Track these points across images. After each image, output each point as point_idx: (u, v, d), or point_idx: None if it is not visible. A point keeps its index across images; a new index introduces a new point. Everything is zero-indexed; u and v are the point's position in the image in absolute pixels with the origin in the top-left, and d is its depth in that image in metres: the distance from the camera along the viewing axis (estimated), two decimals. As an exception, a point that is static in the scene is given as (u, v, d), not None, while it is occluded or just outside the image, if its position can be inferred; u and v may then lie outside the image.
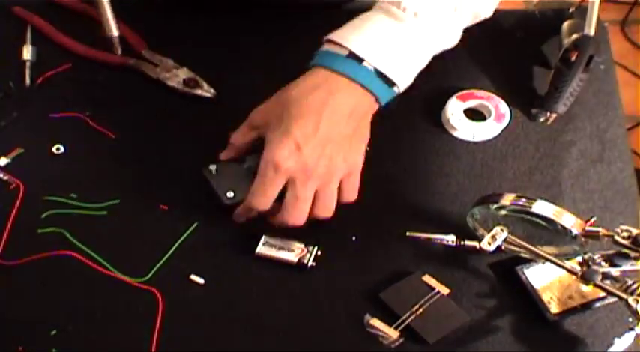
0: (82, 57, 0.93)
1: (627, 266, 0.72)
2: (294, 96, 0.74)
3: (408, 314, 0.73)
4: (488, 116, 0.89)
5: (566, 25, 0.93)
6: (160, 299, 0.75)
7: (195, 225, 0.80)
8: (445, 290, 0.76)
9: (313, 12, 0.94)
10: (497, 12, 0.86)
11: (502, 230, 0.74)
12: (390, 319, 0.73)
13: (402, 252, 0.79)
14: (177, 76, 0.91)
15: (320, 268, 0.78)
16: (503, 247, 0.75)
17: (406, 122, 0.89)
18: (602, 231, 0.71)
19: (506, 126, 0.88)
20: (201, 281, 0.77)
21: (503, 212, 0.76)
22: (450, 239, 0.77)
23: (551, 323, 0.74)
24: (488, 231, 0.75)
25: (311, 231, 0.78)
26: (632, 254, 0.71)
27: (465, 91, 0.90)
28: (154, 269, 0.77)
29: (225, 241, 0.80)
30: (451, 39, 0.80)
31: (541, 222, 0.74)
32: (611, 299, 0.74)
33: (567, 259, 0.74)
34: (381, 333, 0.73)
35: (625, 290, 0.69)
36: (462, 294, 0.76)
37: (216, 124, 0.84)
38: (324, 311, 0.75)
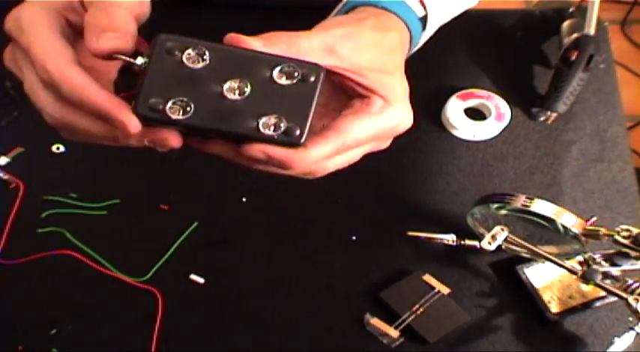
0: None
1: (627, 265, 0.72)
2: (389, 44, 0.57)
3: (408, 314, 0.73)
4: (489, 115, 0.89)
5: (566, 24, 0.93)
6: (160, 299, 0.74)
7: (195, 225, 0.80)
8: (445, 290, 0.76)
9: (316, 13, 0.94)
10: (497, 12, 0.86)
11: (502, 229, 0.74)
12: (390, 319, 0.73)
13: (402, 252, 0.79)
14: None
15: (320, 268, 0.78)
16: (503, 246, 0.75)
17: (406, 122, 0.89)
18: (602, 230, 0.71)
19: (507, 126, 0.88)
20: (201, 281, 0.77)
21: (503, 211, 0.76)
22: (451, 238, 0.77)
23: (552, 323, 0.74)
24: (489, 231, 0.75)
25: (311, 231, 0.78)
26: (633, 253, 0.71)
27: (465, 91, 0.90)
28: (154, 269, 0.77)
29: (225, 241, 0.80)
30: None
31: (541, 221, 0.74)
32: (612, 299, 0.74)
33: (568, 258, 0.74)
34: (381, 333, 0.73)
35: (625, 290, 0.69)
36: (462, 294, 0.76)
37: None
38: (324, 311, 0.75)
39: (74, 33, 0.52)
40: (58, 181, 0.83)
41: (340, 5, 0.61)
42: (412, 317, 0.73)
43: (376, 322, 0.73)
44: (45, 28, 0.49)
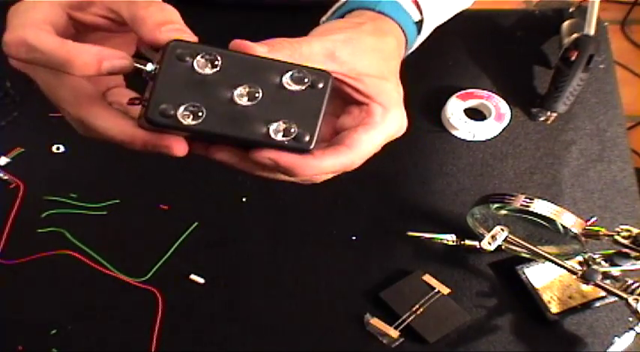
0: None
1: (627, 265, 0.72)
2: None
3: (408, 314, 0.73)
4: (489, 115, 0.89)
5: (566, 24, 0.93)
6: (160, 299, 0.74)
7: (195, 225, 0.80)
8: (445, 290, 0.76)
9: (316, 13, 0.94)
10: (497, 12, 0.86)
11: (502, 229, 0.74)
12: (390, 319, 0.73)
13: (402, 252, 0.79)
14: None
15: (320, 268, 0.78)
16: (503, 246, 0.75)
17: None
18: (602, 230, 0.71)
19: (507, 126, 0.88)
20: (201, 281, 0.77)
21: (503, 211, 0.76)
22: (451, 238, 0.77)
23: (551, 323, 0.74)
24: (489, 231, 0.75)
25: (311, 231, 0.78)
26: (633, 253, 0.71)
27: (465, 91, 0.90)
28: (154, 269, 0.77)
29: (225, 241, 0.80)
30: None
31: (541, 221, 0.74)
32: (612, 299, 0.74)
33: (568, 259, 0.74)
34: (381, 333, 0.73)
35: (625, 290, 0.69)
36: (462, 294, 0.76)
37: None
38: (324, 311, 0.75)
39: (75, 30, 0.51)
40: (57, 181, 0.83)
41: (335, 7, 0.61)
42: (412, 317, 0.73)
43: (376, 322, 0.73)
44: (36, 13, 0.48)
